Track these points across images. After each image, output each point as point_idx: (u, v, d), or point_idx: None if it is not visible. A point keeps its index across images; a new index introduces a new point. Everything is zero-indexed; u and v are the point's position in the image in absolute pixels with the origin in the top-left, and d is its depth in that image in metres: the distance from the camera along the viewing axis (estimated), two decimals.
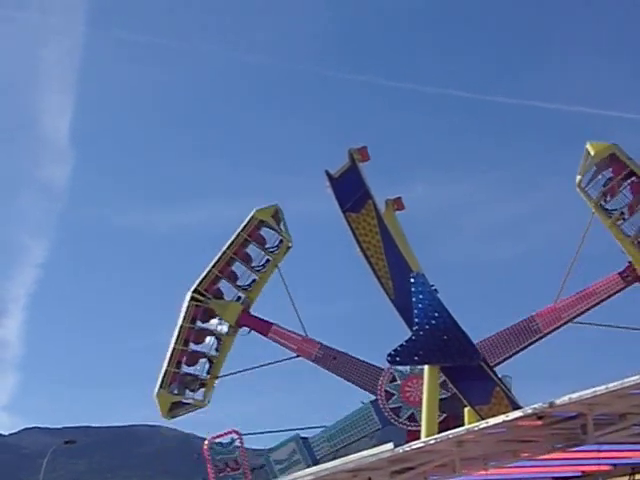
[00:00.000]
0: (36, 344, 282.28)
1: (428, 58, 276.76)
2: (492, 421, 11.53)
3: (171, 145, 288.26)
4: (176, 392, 37.60)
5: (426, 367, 28.69)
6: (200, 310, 37.49)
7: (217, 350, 37.92)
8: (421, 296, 27.79)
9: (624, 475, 15.62)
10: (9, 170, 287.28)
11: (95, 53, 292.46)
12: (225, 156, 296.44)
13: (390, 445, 12.78)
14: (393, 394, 36.21)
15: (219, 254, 37.51)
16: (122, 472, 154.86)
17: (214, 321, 38.00)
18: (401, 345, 28.09)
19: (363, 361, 36.73)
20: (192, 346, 37.70)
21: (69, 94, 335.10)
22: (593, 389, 10.08)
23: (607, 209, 34.11)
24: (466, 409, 28.19)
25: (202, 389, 37.96)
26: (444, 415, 31.63)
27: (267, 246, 38.03)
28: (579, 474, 15.85)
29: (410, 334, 28.15)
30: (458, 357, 28.08)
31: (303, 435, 37.89)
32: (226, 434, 37.70)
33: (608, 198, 34.04)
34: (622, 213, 33.94)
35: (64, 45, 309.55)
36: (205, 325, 37.97)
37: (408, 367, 35.51)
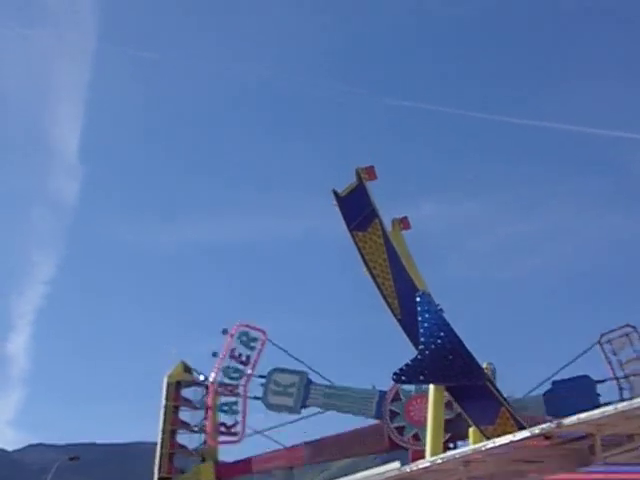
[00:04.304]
0: (42, 360, 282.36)
1: (436, 78, 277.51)
2: (499, 441, 11.51)
3: (181, 162, 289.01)
4: None
5: (431, 386, 28.63)
6: None
7: None
8: (427, 315, 27.76)
9: None
10: (19, 185, 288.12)
11: (105, 70, 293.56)
12: (233, 174, 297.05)
13: (397, 464, 12.79)
14: (397, 413, 36.20)
15: (160, 435, 37.27)
16: None
17: None
18: (407, 364, 28.06)
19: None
20: None
21: (79, 110, 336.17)
22: (601, 409, 10.07)
23: None
24: (471, 429, 28.14)
25: None
26: (449, 435, 31.62)
27: (195, 403, 38.34)
28: None
29: (416, 353, 28.13)
30: (463, 377, 28.01)
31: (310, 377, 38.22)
32: (256, 328, 37.98)
33: None
34: None
35: (75, 62, 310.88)
36: None
37: (413, 387, 35.59)
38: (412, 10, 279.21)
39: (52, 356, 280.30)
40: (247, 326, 38.21)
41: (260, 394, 37.69)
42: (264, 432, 37.77)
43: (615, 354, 37.48)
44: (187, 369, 38.32)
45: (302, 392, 37.37)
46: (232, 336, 37.88)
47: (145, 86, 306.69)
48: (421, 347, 27.77)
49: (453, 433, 32.69)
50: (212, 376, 37.79)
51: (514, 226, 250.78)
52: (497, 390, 30.46)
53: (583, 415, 10.23)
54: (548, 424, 10.64)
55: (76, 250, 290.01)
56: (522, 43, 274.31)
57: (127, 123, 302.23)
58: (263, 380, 37.90)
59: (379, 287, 31.06)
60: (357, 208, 32.37)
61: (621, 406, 9.80)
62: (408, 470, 12.53)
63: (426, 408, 29.94)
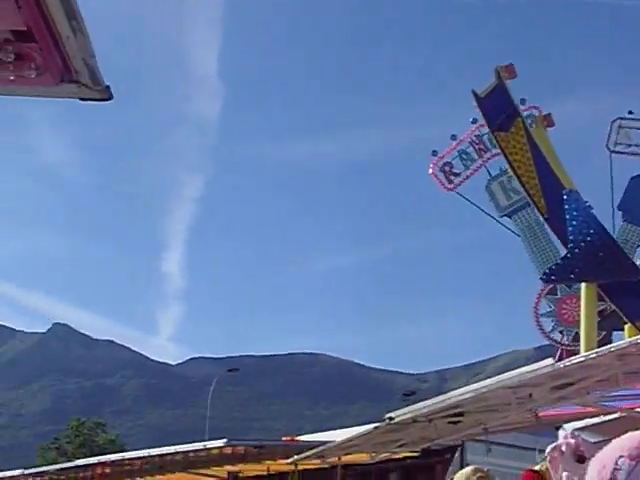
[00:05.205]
0: (197, 276, 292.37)
1: None
2: None
3: (319, 78, 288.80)
4: None
5: (583, 284, 28.35)
6: None
7: None
8: (575, 213, 27.32)
9: None
10: (161, 107, 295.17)
11: None
12: (371, 89, 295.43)
13: (550, 360, 12.73)
14: (556, 294, 36.28)
15: None
16: (283, 398, 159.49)
17: None
18: (557, 263, 27.82)
19: None
20: None
21: (216, 29, 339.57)
22: None
23: None
24: (626, 326, 27.78)
25: None
26: (603, 333, 31.30)
27: None
28: None
29: (565, 252, 27.84)
30: (615, 273, 27.57)
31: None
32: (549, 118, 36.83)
33: None
34: None
35: None
36: None
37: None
38: None
39: (206, 272, 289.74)
40: (538, 111, 37.30)
41: (493, 173, 37.71)
42: (466, 198, 38.15)
43: (630, 145, 37.21)
44: None
45: (519, 206, 37.01)
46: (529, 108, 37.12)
47: (281, 2, 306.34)
48: (570, 245, 27.38)
49: (606, 331, 32.35)
50: (471, 129, 37.97)
51: None
52: None
53: None
54: None
55: (222, 167, 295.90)
56: None
57: (265, 40, 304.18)
58: (504, 166, 37.82)
59: (524, 187, 30.69)
60: (498, 108, 31.79)
61: None
62: (562, 366, 12.48)
63: (578, 307, 29.70)
